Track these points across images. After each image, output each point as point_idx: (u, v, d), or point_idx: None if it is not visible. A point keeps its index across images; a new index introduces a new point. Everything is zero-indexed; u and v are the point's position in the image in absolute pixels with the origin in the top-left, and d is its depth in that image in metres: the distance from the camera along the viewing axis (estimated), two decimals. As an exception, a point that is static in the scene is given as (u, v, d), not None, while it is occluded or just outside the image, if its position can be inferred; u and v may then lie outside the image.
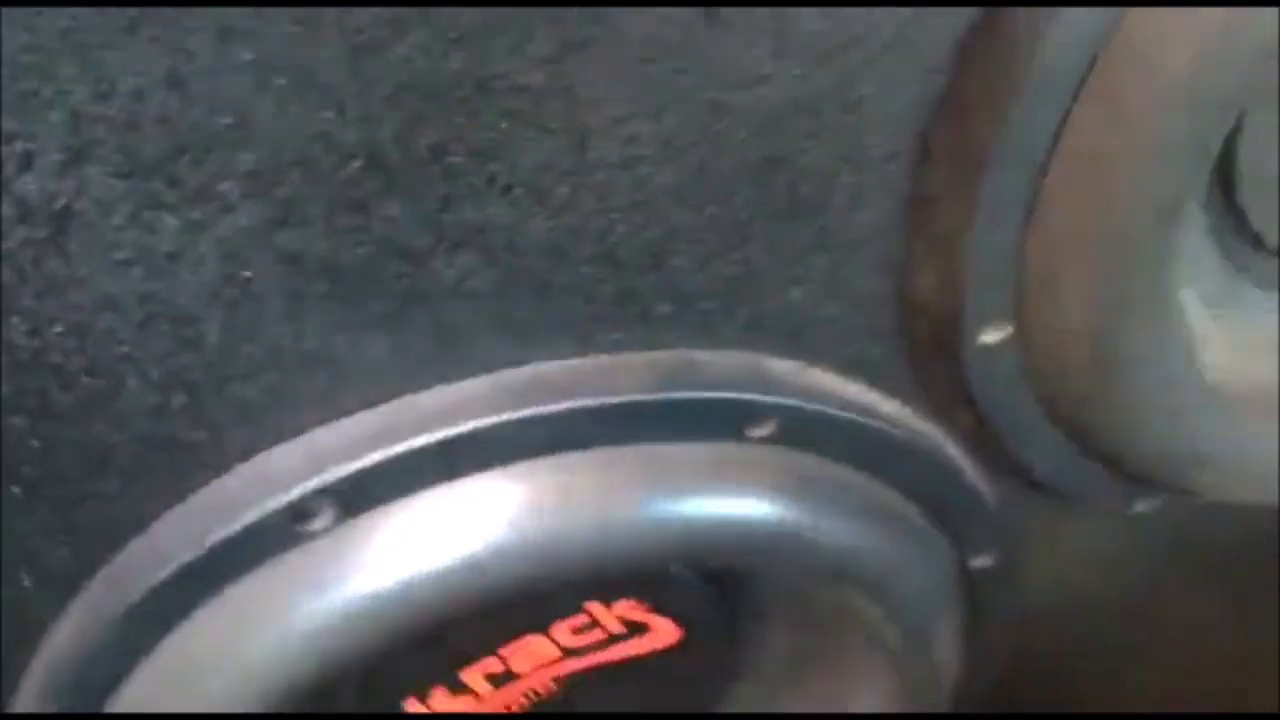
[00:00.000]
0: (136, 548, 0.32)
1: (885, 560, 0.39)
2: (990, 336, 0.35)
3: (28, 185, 0.25)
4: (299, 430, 0.31)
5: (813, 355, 0.36)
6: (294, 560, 0.32)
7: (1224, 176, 0.36)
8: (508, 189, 0.29)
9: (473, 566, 0.32)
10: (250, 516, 0.31)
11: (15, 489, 0.30)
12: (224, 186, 0.26)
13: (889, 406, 0.38)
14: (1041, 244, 0.33)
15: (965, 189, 0.32)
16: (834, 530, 0.37)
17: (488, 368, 0.32)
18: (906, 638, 0.43)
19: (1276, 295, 0.38)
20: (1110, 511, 0.42)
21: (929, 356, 0.36)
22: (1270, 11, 0.30)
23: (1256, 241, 0.38)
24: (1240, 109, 0.33)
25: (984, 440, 0.39)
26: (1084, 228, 0.32)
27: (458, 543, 0.32)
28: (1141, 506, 0.42)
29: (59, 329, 0.28)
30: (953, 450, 0.40)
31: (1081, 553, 0.46)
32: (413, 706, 0.45)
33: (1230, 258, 0.38)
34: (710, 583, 0.45)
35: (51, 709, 0.34)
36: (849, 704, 0.46)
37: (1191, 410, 0.37)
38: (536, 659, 0.46)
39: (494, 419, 0.32)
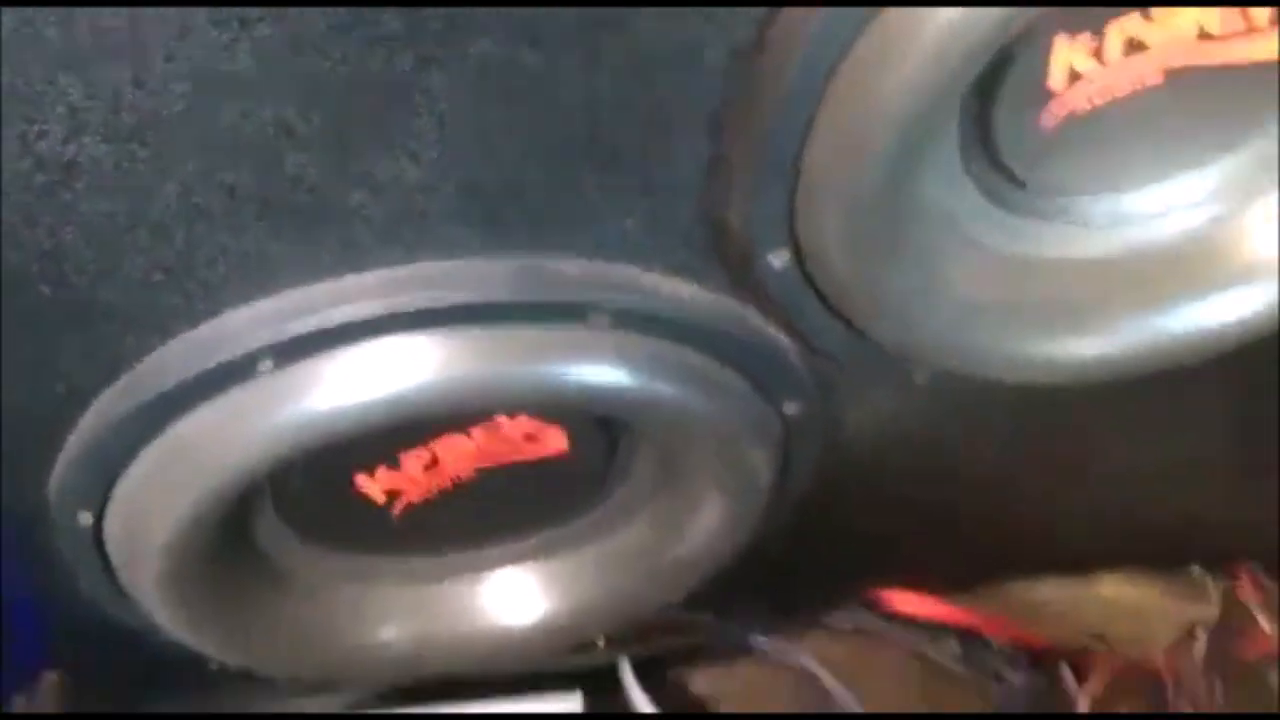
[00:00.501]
0: (137, 372, 0.45)
1: (703, 407, 0.51)
2: (776, 260, 0.45)
3: (42, 149, 0.36)
4: (250, 300, 0.44)
5: (645, 263, 0.47)
6: (247, 390, 0.45)
7: (980, 117, 0.45)
8: (389, 148, 0.39)
9: (371, 405, 0.45)
10: (215, 358, 0.44)
11: (47, 330, 0.43)
12: (177, 147, 0.38)
13: (708, 299, 0.49)
14: (809, 190, 0.42)
15: (749, 152, 0.42)
16: (659, 387, 0.49)
17: (385, 265, 0.44)
18: (731, 464, 0.56)
19: (1024, 221, 0.48)
20: (896, 379, 0.54)
21: (734, 267, 0.47)
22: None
23: (1009, 176, 0.47)
24: (994, 54, 0.40)
25: (785, 323, 0.51)
26: (841, 178, 0.42)
27: (361, 388, 0.45)
28: (920, 379, 0.54)
29: (70, 233, 0.40)
30: (763, 327, 0.51)
31: (877, 409, 0.57)
32: (361, 479, 0.59)
33: (987, 191, 0.47)
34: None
35: (83, 477, 0.48)
36: (694, 511, 0.59)
37: (933, 311, 0.47)
38: (459, 452, 0.59)
39: (387, 305, 0.44)
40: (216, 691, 0.76)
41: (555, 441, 0.58)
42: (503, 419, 0.56)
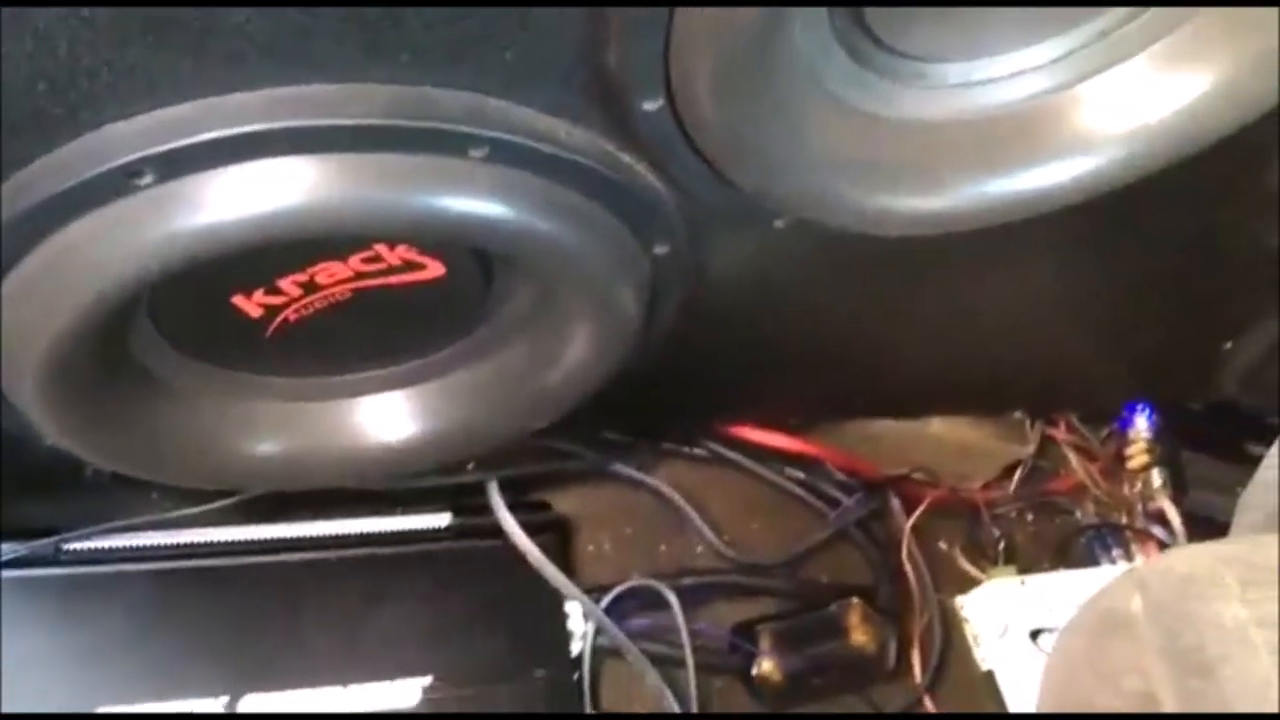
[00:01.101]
0: (19, 178, 0.46)
1: (573, 242, 0.54)
2: (649, 105, 0.48)
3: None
4: (132, 114, 0.44)
5: (523, 98, 0.49)
6: (128, 202, 0.46)
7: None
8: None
9: (247, 222, 0.46)
10: (97, 168, 0.45)
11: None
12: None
13: (583, 139, 0.51)
14: (682, 38, 0.45)
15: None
16: (534, 221, 0.52)
17: (270, 84, 0.45)
18: (601, 298, 0.59)
19: (883, 81, 0.51)
20: (757, 223, 0.58)
21: (610, 110, 0.49)
22: None
23: (873, 36, 0.50)
24: None
25: (656, 166, 0.53)
26: (713, 28, 0.44)
27: (239, 205, 0.46)
28: (779, 223, 0.58)
29: (-51, 33, 0.40)
30: (637, 170, 0.54)
31: (742, 247, 0.61)
32: (239, 299, 0.60)
33: (851, 50, 0.50)
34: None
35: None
36: (564, 341, 0.62)
37: (793, 163, 0.51)
38: (336, 276, 0.60)
39: (269, 124, 0.45)
40: (90, 498, 0.78)
41: (432, 270, 0.60)
42: (381, 247, 0.58)
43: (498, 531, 0.80)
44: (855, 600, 0.83)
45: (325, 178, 0.47)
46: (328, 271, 0.59)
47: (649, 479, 0.89)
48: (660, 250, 0.58)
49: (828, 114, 0.50)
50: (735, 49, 0.44)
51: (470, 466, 0.81)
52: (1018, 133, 0.55)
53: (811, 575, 0.90)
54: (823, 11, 0.47)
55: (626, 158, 0.53)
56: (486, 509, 0.81)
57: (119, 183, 0.45)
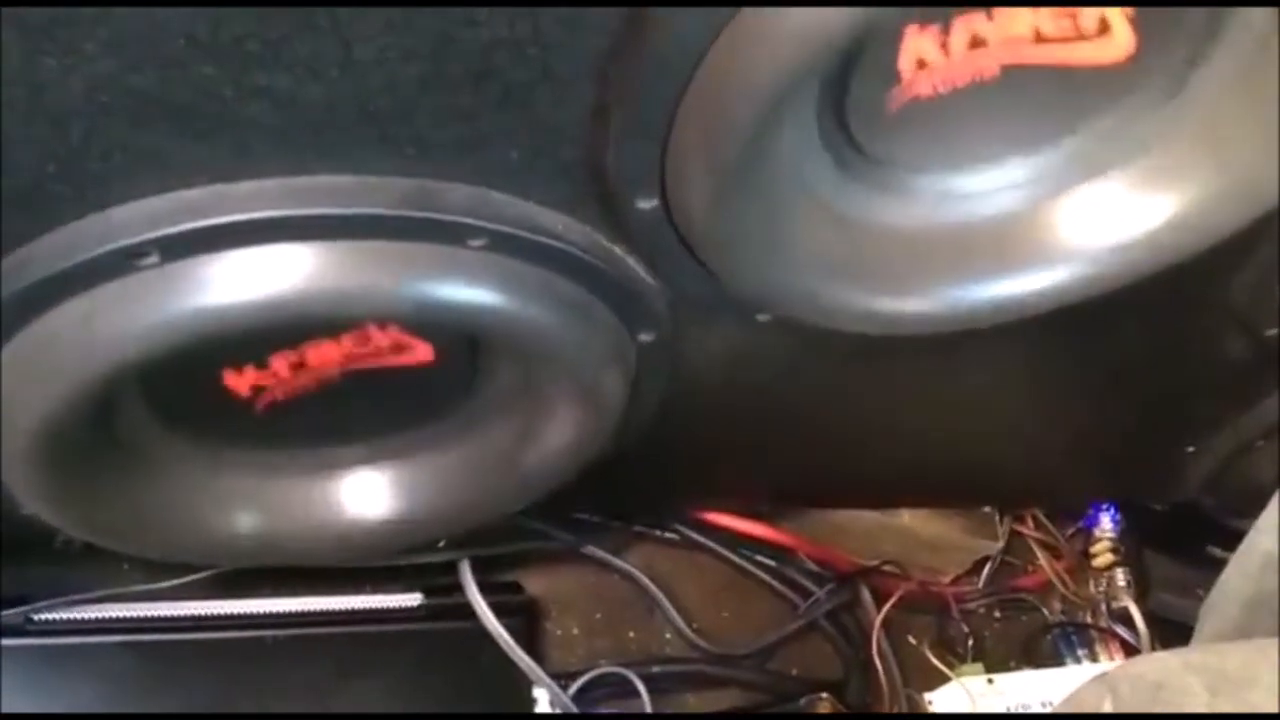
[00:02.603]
0: (18, 256, 0.46)
1: (563, 330, 0.55)
2: (644, 204, 0.50)
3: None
4: (139, 197, 0.45)
5: (523, 193, 0.50)
6: (129, 282, 0.47)
7: (837, 94, 0.50)
8: (290, 67, 0.41)
9: (250, 306, 0.47)
10: (98, 250, 0.46)
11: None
12: (89, 47, 0.39)
13: (578, 232, 0.52)
14: (678, 146, 0.47)
15: (628, 106, 0.46)
16: (527, 309, 0.53)
17: (279, 174, 0.46)
18: (588, 384, 0.60)
19: (867, 190, 0.54)
20: (741, 317, 0.59)
21: (607, 206, 0.51)
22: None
23: (858, 148, 0.52)
24: (851, 49, 0.46)
25: (646, 261, 0.55)
26: (707, 139, 0.46)
27: (242, 289, 0.47)
28: (762, 317, 0.59)
29: (-32, 115, 0.41)
30: (630, 263, 0.55)
31: (724, 339, 0.63)
32: (229, 377, 0.61)
33: (838, 160, 0.52)
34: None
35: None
36: (548, 425, 0.63)
37: (780, 264, 0.53)
38: (326, 357, 0.61)
39: (279, 211, 0.46)
40: (60, 567, 0.77)
41: (421, 352, 0.61)
42: (373, 329, 0.59)
43: (468, 612, 0.80)
44: (825, 695, 0.83)
45: (328, 264, 0.48)
46: (319, 351, 0.60)
47: (620, 562, 0.89)
48: (645, 338, 0.59)
49: (814, 218, 0.52)
50: (726, 160, 0.46)
51: (440, 544, 0.81)
52: (992, 243, 0.57)
53: (781, 667, 0.90)
54: (811, 119, 0.49)
55: (618, 250, 0.54)
56: (457, 588, 0.81)
57: (123, 263, 0.46)
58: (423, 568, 0.82)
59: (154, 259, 0.46)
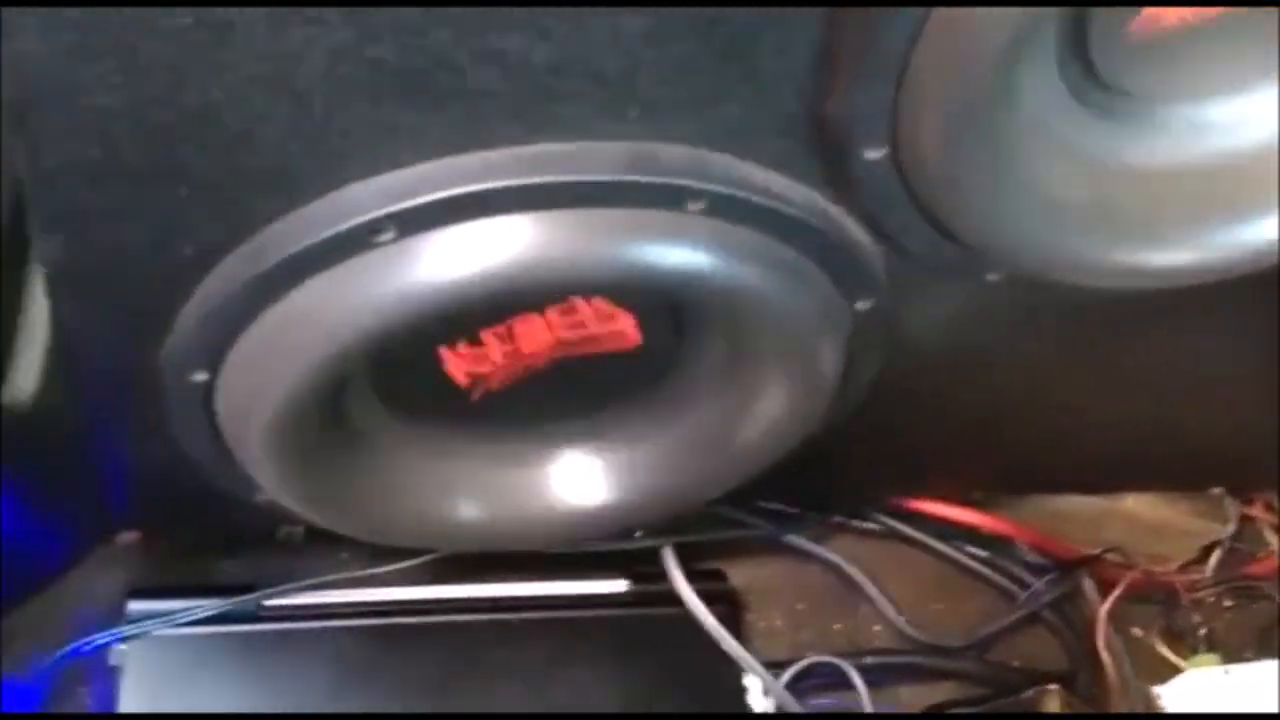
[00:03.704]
0: (263, 235, 0.48)
1: (782, 297, 0.53)
2: (872, 154, 0.48)
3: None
4: (377, 172, 0.46)
5: (742, 152, 0.49)
6: (367, 258, 0.47)
7: (1077, 25, 0.47)
8: (522, 28, 0.41)
9: (482, 277, 0.48)
10: (340, 226, 0.47)
11: (184, 190, 0.46)
12: (331, 16, 0.40)
13: (799, 192, 0.51)
14: (912, 89, 0.45)
15: (858, 50, 0.44)
16: (745, 274, 0.52)
17: (506, 144, 0.46)
18: (802, 357, 0.58)
19: (1113, 127, 0.50)
20: (968, 278, 0.56)
21: (830, 160, 0.49)
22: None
23: (1101, 81, 0.49)
24: None
25: (870, 219, 0.53)
26: (944, 80, 0.44)
27: (472, 261, 0.48)
28: (992, 277, 0.56)
29: (218, 94, 0.42)
30: (848, 224, 0.53)
31: (946, 305, 0.60)
32: (449, 359, 0.61)
33: (1079, 96, 0.49)
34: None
35: (202, 338, 0.51)
36: (758, 400, 0.62)
37: (1022, 214, 0.50)
38: (533, 331, 0.61)
39: (506, 182, 0.46)
40: (281, 558, 0.80)
41: (627, 334, 0.60)
42: (580, 303, 0.58)
43: (673, 599, 0.79)
44: (1054, 688, 0.78)
45: (553, 233, 0.48)
46: (529, 335, 0.60)
47: (825, 552, 0.87)
48: (862, 306, 0.57)
49: (1054, 162, 0.49)
50: (964, 101, 0.44)
51: (638, 534, 0.81)
52: (1246, 181, 0.52)
53: (1000, 659, 0.86)
54: (1050, 53, 0.47)
55: (836, 210, 0.53)
56: (661, 576, 0.80)
57: (362, 239, 0.47)
58: (623, 555, 0.82)
59: (391, 234, 0.47)
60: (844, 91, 0.45)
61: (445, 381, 0.60)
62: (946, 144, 0.46)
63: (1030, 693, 0.79)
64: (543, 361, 0.60)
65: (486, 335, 0.60)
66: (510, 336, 0.60)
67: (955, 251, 0.53)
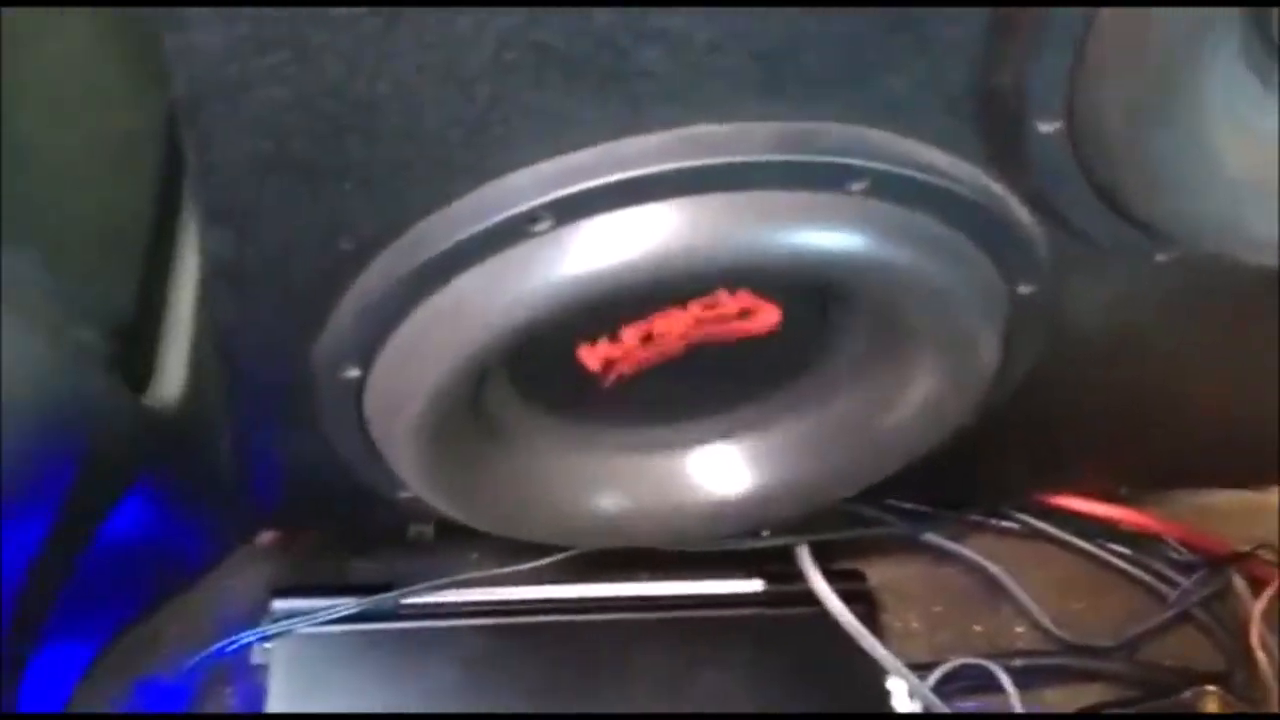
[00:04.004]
0: (420, 228, 0.48)
1: (945, 281, 0.51)
2: (1047, 127, 0.45)
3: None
4: (534, 160, 0.45)
5: (905, 129, 0.47)
6: (524, 248, 0.47)
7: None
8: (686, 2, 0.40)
9: (637, 264, 0.47)
10: (498, 217, 0.46)
11: (348, 184, 0.46)
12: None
13: (963, 170, 0.49)
14: (1091, 60, 0.43)
15: (1038, 16, 0.42)
16: (904, 257, 0.50)
17: (663, 127, 0.45)
18: (960, 344, 0.56)
19: None
20: (1135, 259, 0.54)
21: (999, 136, 0.47)
22: None
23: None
24: None
25: (1038, 200, 0.51)
26: (1128, 43, 0.42)
27: (630, 248, 0.47)
28: (1161, 257, 0.53)
29: (387, 83, 0.42)
30: (1012, 204, 0.51)
31: (1110, 289, 0.57)
32: (584, 349, 0.61)
33: (1258, 71, 0.46)
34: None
35: (356, 333, 0.51)
36: (907, 392, 0.60)
37: (1204, 190, 0.47)
38: (673, 324, 0.60)
39: (663, 166, 0.45)
40: (413, 558, 0.80)
41: (767, 318, 0.59)
42: (723, 294, 0.57)
43: (809, 599, 0.77)
44: (1212, 689, 0.75)
45: (708, 218, 0.47)
46: (667, 319, 0.59)
47: (964, 550, 0.84)
48: (1024, 290, 0.55)
49: (1235, 136, 0.46)
50: (1153, 63, 0.42)
51: (765, 533, 0.79)
52: None
53: (1150, 659, 0.82)
54: (1235, 29, 0.44)
55: (1000, 189, 0.50)
56: (796, 576, 0.78)
57: (520, 229, 0.46)
58: (753, 555, 0.80)
59: (548, 223, 0.46)
60: (1019, 61, 0.43)
61: (578, 370, 0.59)
62: (1127, 116, 0.43)
63: (1187, 694, 0.75)
64: (676, 346, 0.59)
65: (626, 329, 0.59)
66: (650, 328, 0.59)
67: (1126, 230, 0.51)
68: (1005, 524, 0.86)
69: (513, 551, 0.77)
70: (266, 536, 0.80)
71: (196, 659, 0.73)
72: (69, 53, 0.65)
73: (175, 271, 0.68)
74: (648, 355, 0.60)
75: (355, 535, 0.80)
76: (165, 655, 0.78)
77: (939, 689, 0.75)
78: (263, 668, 0.72)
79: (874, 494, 0.69)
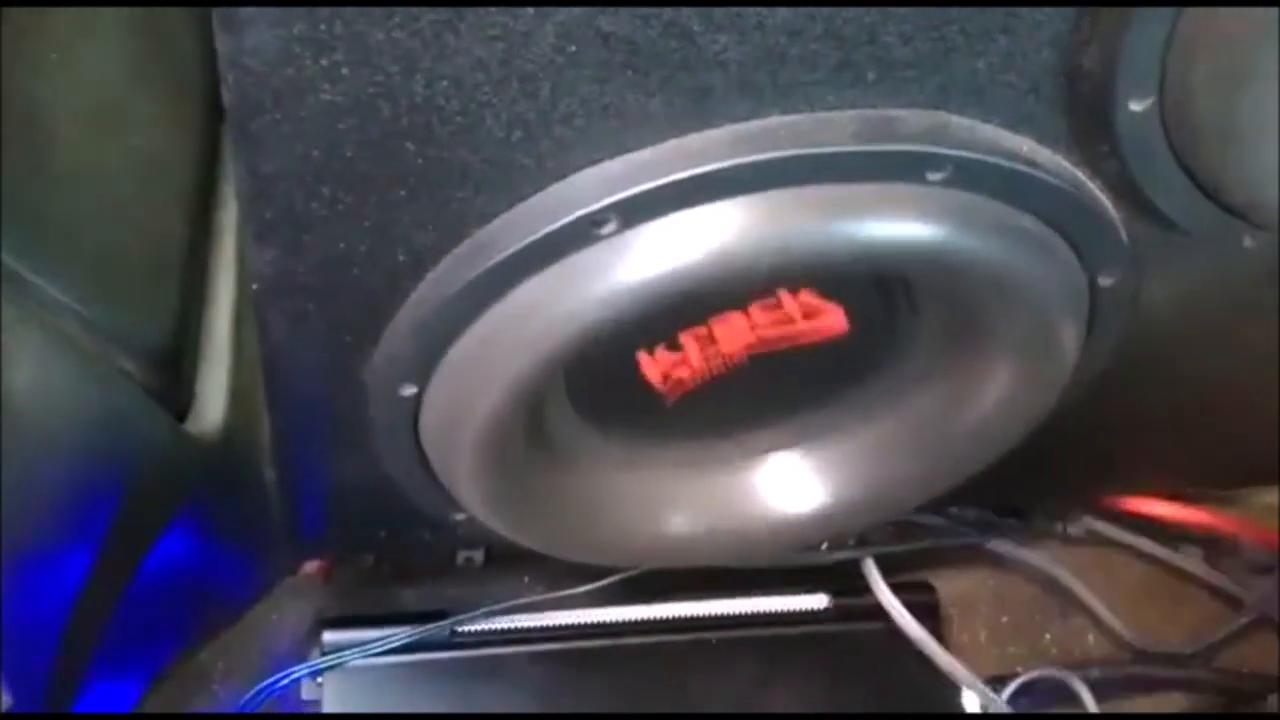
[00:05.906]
0: (479, 236, 0.45)
1: (1027, 273, 0.49)
2: (1138, 105, 0.43)
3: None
4: (598, 160, 0.43)
5: (987, 114, 0.45)
6: (589, 252, 0.45)
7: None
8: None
9: (709, 263, 0.44)
10: (562, 220, 0.44)
11: (403, 191, 0.43)
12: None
13: (1045, 156, 0.46)
14: (1184, 38, 0.40)
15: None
16: (986, 248, 0.47)
17: (732, 120, 0.43)
18: (1040, 339, 0.54)
19: None
20: (1222, 245, 0.51)
21: (1085, 117, 0.45)
22: None
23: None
24: None
25: (1122, 185, 0.48)
26: (1224, 22, 0.40)
27: (701, 246, 0.44)
28: (1249, 243, 0.51)
29: (443, 84, 0.40)
30: (1096, 192, 0.49)
31: (1192, 279, 0.55)
32: (643, 358, 0.58)
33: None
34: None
35: (412, 349, 0.48)
36: (983, 391, 0.57)
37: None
38: (734, 329, 0.58)
39: (734, 160, 0.43)
40: (462, 584, 0.78)
41: (832, 324, 0.56)
42: (785, 294, 0.55)
43: (877, 613, 0.74)
44: (1297, 694, 0.72)
45: (781, 213, 0.44)
46: (727, 323, 0.56)
47: (1032, 558, 0.81)
48: (1106, 281, 0.52)
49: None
50: (1254, 34, 0.39)
51: (824, 546, 0.77)
52: None
53: (1228, 665, 0.79)
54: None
55: (1082, 174, 0.48)
56: (861, 590, 0.75)
57: (586, 232, 0.44)
58: (814, 570, 0.77)
59: (613, 225, 0.44)
60: (1111, 35, 0.41)
61: (640, 387, 0.57)
62: (1225, 92, 0.41)
63: (1272, 699, 0.72)
64: (739, 356, 0.57)
65: (685, 337, 0.56)
66: (710, 334, 0.56)
67: (1215, 215, 0.48)
68: (1067, 530, 0.83)
69: (564, 574, 0.74)
70: (310, 566, 0.78)
71: (247, 696, 0.71)
72: (101, 75, 0.63)
73: (211, 296, 0.67)
74: (711, 367, 0.58)
75: (402, 563, 0.78)
76: (212, 693, 0.75)
77: (1013, 701, 0.72)
78: (314, 703, 0.69)
79: (936, 502, 0.67)
